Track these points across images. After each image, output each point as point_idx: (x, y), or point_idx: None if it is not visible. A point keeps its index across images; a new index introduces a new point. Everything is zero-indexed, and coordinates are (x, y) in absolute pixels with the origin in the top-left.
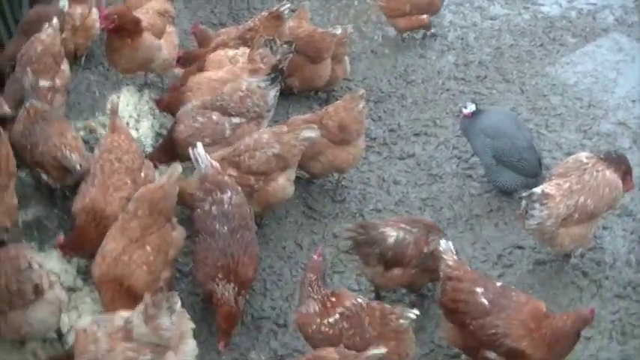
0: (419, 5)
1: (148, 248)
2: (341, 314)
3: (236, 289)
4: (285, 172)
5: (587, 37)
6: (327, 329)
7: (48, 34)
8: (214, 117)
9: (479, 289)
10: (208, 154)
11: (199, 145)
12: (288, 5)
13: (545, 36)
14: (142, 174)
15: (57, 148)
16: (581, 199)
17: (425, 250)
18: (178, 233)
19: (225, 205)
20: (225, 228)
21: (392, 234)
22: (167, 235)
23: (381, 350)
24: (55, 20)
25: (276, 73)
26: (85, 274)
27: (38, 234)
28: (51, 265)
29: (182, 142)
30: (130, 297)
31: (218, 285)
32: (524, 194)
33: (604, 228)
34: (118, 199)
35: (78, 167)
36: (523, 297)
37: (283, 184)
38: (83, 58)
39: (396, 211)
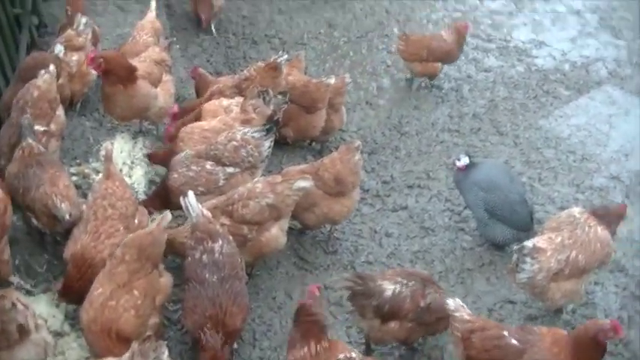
0: (435, 53)
1: (136, 293)
2: None
3: (223, 338)
4: (278, 222)
5: (580, 89)
6: None
7: (44, 79)
8: (208, 166)
9: (505, 332)
10: (201, 202)
11: (190, 193)
12: (286, 57)
13: (538, 88)
14: (136, 220)
15: (48, 196)
16: (573, 253)
17: (422, 304)
18: (166, 279)
19: (216, 254)
20: (215, 277)
21: (389, 287)
22: (154, 280)
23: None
24: (51, 67)
25: (271, 124)
26: (72, 319)
27: (28, 278)
28: (39, 310)
29: (175, 190)
30: (118, 342)
31: (205, 334)
32: (515, 247)
33: (596, 284)
34: (110, 247)
35: (67, 217)
36: (541, 329)
37: (276, 234)
38: (78, 104)
39: (388, 264)
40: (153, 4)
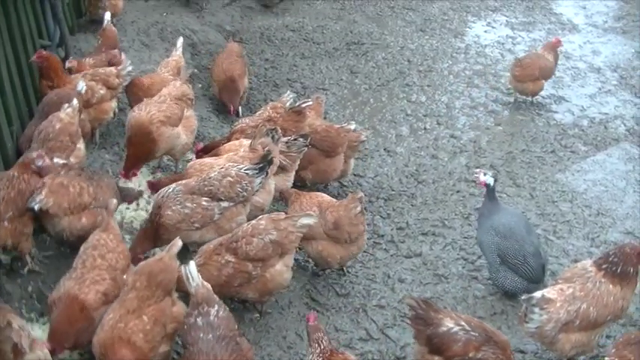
0: (544, 71)
1: (145, 318)
2: None
3: None
4: (282, 259)
5: (598, 145)
6: None
7: (67, 113)
8: (204, 202)
9: None
10: (197, 236)
11: (192, 263)
12: (310, 102)
13: (557, 143)
14: (125, 276)
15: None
16: (584, 306)
17: (470, 355)
18: (179, 308)
19: (211, 317)
20: (210, 335)
21: (447, 324)
22: (166, 308)
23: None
24: (75, 101)
25: (265, 163)
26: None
27: (39, 305)
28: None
29: (171, 227)
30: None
31: None
32: (524, 297)
33: (607, 337)
34: (94, 292)
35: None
36: None
37: (281, 270)
38: (97, 136)
39: (400, 309)
40: (179, 42)
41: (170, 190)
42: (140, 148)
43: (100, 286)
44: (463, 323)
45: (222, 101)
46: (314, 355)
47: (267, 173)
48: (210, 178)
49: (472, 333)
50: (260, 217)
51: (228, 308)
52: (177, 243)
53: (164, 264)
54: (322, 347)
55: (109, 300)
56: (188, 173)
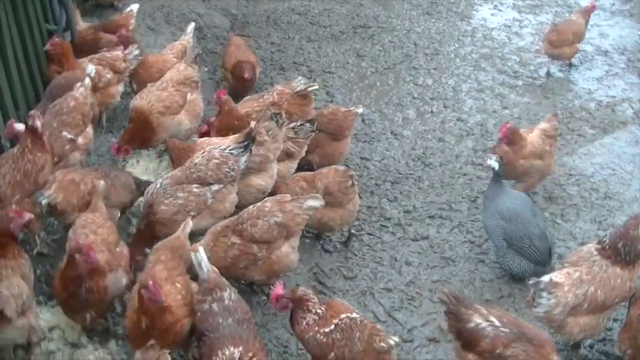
0: (578, 34)
1: (178, 285)
2: (336, 325)
3: None
4: (288, 241)
5: (605, 128)
6: (322, 337)
7: (80, 92)
8: (195, 189)
9: None
10: (194, 224)
11: (201, 250)
12: (316, 86)
13: (564, 126)
14: (118, 249)
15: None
16: (591, 289)
17: (498, 351)
18: (195, 286)
19: (226, 301)
20: (230, 319)
21: (476, 320)
22: (189, 283)
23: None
24: (87, 80)
25: (248, 140)
26: (90, 331)
27: (47, 288)
28: (57, 320)
29: (167, 222)
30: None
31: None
32: (531, 282)
33: (614, 320)
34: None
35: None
36: None
37: (287, 251)
38: (104, 120)
39: (407, 292)
40: (190, 26)
41: (157, 186)
42: (139, 133)
43: (101, 256)
44: (493, 319)
45: (236, 89)
46: (319, 327)
47: (251, 151)
48: (195, 164)
49: (502, 329)
50: (265, 199)
51: (236, 290)
52: (189, 222)
53: (181, 241)
54: (317, 312)
55: (111, 269)
56: (197, 150)
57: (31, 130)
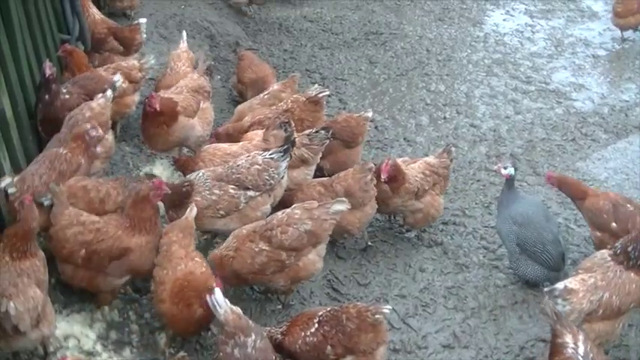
0: None
1: (198, 259)
2: (319, 322)
3: None
4: (316, 248)
5: (618, 133)
6: (311, 338)
7: (99, 103)
8: (231, 190)
9: None
10: (221, 224)
11: (217, 291)
12: (327, 92)
13: (577, 131)
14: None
15: None
16: (606, 295)
17: None
18: None
19: (249, 349)
20: None
21: (565, 339)
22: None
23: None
24: (109, 92)
25: (288, 145)
26: (104, 339)
27: (63, 297)
28: (72, 329)
29: (197, 212)
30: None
31: None
32: (546, 289)
33: (629, 325)
34: None
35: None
36: None
37: (313, 259)
38: (118, 129)
39: (421, 298)
40: (184, 34)
41: (200, 175)
42: (162, 116)
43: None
44: (580, 345)
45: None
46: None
47: (291, 156)
48: (238, 166)
49: (579, 357)
50: (294, 205)
51: (265, 334)
52: (194, 208)
53: (189, 222)
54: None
55: None
56: (201, 157)
57: (80, 136)
